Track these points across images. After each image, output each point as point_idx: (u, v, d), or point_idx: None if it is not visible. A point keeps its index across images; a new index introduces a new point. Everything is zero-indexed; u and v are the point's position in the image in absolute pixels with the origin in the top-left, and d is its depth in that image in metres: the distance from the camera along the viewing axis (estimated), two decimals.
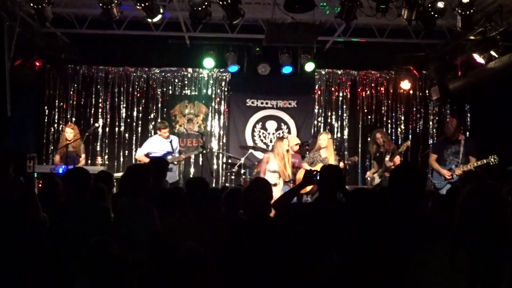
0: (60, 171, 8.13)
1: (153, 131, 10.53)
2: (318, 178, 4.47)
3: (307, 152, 9.44)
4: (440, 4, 7.06)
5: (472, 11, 7.15)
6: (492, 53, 8.12)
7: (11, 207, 3.91)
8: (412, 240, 2.63)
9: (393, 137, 10.92)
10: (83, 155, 9.03)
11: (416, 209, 2.91)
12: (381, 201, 3.53)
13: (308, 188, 7.18)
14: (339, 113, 11.24)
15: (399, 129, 11.22)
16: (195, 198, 4.52)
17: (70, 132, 8.84)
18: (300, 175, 8.55)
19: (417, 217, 2.90)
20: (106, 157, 10.84)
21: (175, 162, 9.02)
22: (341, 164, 8.57)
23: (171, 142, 9.01)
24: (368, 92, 11.23)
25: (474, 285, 2.17)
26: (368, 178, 8.96)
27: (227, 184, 9.81)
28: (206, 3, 6.99)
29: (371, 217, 3.05)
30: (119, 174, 7.25)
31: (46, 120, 10.80)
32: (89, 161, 10.23)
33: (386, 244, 2.76)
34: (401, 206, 2.89)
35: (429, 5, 7.11)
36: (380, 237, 2.80)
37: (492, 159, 7.40)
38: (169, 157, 8.76)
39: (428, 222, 3.01)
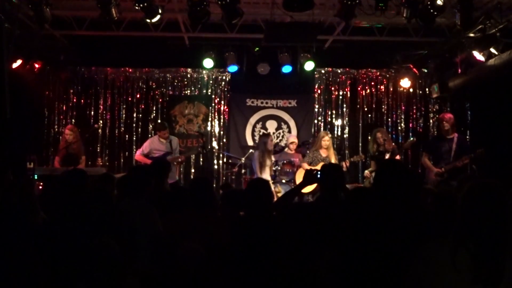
0: None
1: (153, 132, 10.52)
2: (319, 177, 4.45)
3: (308, 152, 9.44)
4: (439, 2, 7.04)
5: (471, 8, 7.15)
6: (492, 50, 8.10)
7: (8, 209, 3.89)
8: (410, 238, 2.63)
9: (394, 136, 10.92)
10: (83, 157, 9.02)
11: (413, 206, 2.90)
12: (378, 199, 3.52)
13: (311, 187, 7.13)
14: (339, 112, 11.23)
15: (399, 128, 11.22)
16: (198, 198, 4.50)
17: (69, 134, 8.84)
18: (300, 174, 8.54)
19: (415, 214, 2.89)
20: (106, 158, 10.84)
21: (175, 163, 9.01)
22: (344, 164, 8.56)
23: (170, 142, 9.00)
24: (368, 90, 11.23)
25: (476, 284, 2.16)
26: (366, 177, 8.93)
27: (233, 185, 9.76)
28: (204, 3, 6.97)
29: (368, 215, 3.03)
30: (119, 175, 7.24)
31: (46, 122, 10.80)
32: (89, 163, 10.22)
33: (383, 242, 2.75)
34: (395, 203, 2.88)
35: (428, 2, 7.09)
36: (377, 235, 2.79)
37: (479, 154, 7.38)
38: (168, 157, 8.76)
39: (427, 219, 3.00)
